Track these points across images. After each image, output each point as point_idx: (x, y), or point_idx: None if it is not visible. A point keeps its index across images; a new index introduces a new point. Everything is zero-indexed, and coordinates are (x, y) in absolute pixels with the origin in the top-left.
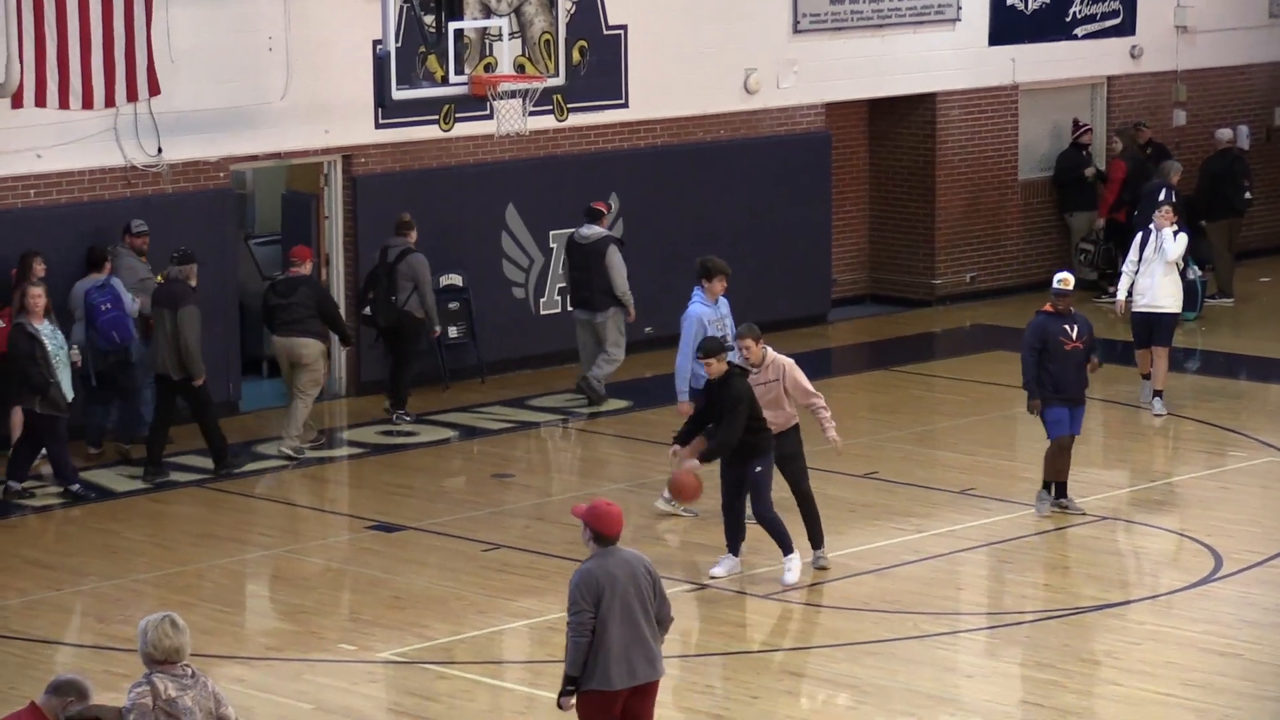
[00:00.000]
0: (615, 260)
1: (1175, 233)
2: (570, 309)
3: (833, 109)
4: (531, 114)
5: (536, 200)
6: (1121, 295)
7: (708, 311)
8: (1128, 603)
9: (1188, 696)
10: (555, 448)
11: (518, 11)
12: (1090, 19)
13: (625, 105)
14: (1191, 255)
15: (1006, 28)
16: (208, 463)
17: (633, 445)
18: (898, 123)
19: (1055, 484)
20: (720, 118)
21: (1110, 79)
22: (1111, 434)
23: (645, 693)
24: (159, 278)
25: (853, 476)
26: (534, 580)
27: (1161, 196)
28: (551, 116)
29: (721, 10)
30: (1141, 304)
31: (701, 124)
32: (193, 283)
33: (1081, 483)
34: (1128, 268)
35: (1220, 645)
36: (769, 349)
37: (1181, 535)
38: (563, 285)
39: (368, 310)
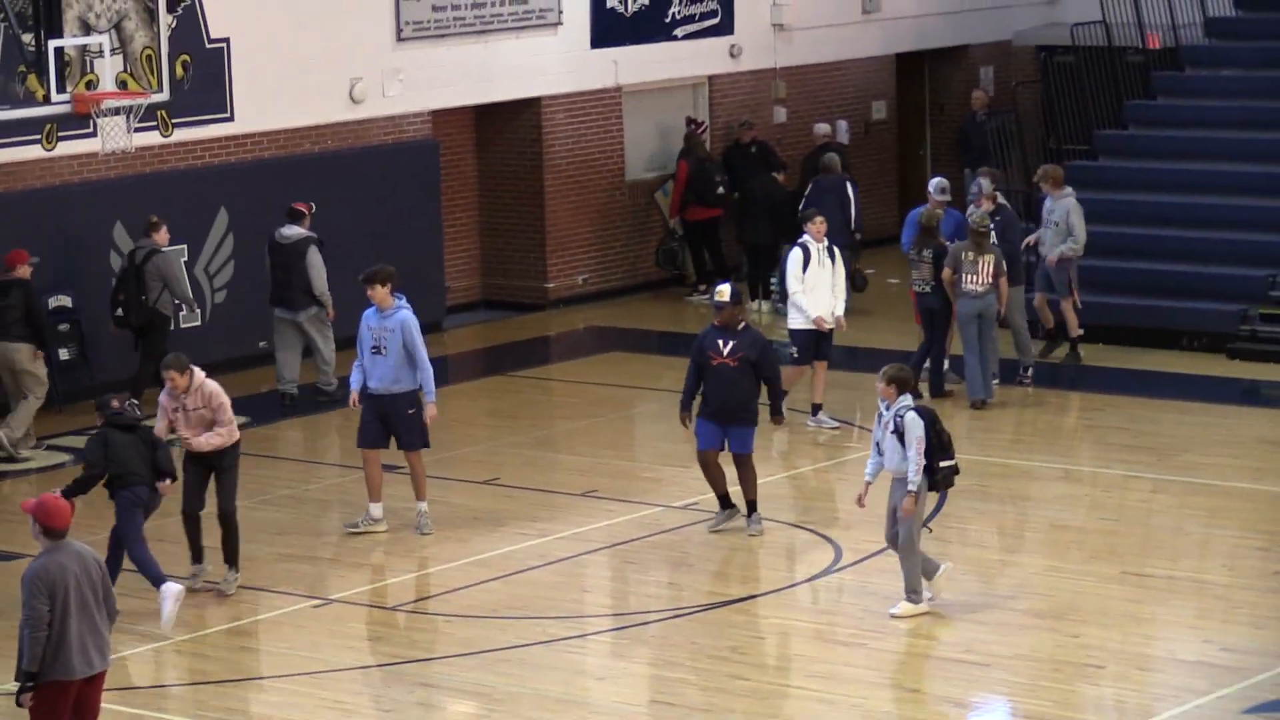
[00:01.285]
0: (315, 260)
1: (829, 246)
2: (272, 308)
3: (439, 116)
4: (136, 130)
5: (144, 218)
6: (806, 321)
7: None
8: (752, 597)
9: (815, 688)
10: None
11: (118, 28)
12: (689, 19)
13: (231, 118)
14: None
15: (608, 30)
16: None
17: (251, 461)
18: (504, 128)
19: (719, 497)
20: (327, 128)
21: (711, 78)
22: None
23: (97, 682)
24: None
25: (474, 483)
26: (156, 603)
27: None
28: (157, 132)
29: (324, 20)
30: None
31: (309, 135)
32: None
33: (700, 479)
34: (794, 286)
35: (844, 636)
36: (197, 374)
37: (801, 528)
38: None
39: (119, 312)
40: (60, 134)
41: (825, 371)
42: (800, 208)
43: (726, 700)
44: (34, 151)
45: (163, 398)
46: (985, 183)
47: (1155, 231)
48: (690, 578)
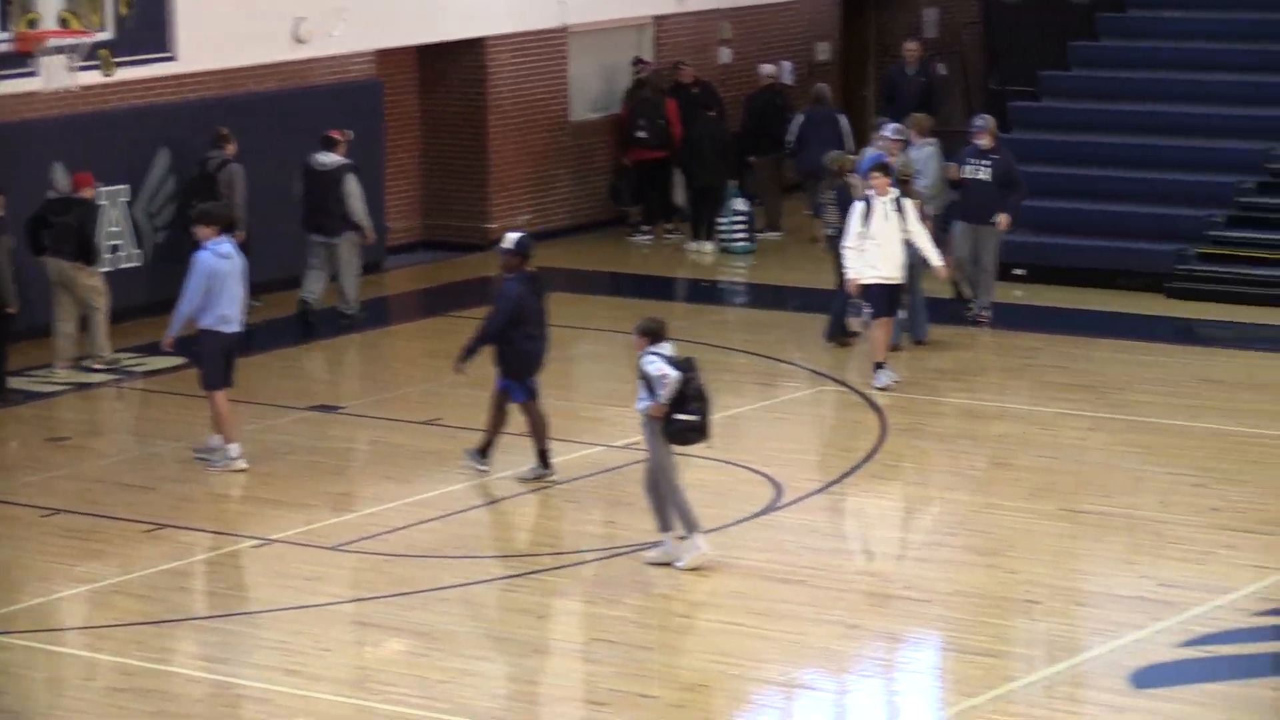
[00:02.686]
0: (353, 187)
1: (898, 199)
2: (307, 233)
3: (383, 56)
4: (79, 69)
5: (85, 157)
6: (853, 273)
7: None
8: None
9: (754, 625)
10: (110, 409)
11: None
12: None
13: (174, 58)
14: (740, 189)
15: None
16: None
17: (189, 403)
18: (448, 68)
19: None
20: (271, 68)
21: (657, 19)
22: None
23: None
24: None
25: (415, 424)
26: (96, 544)
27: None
28: (99, 71)
29: None
30: (875, 276)
31: (252, 75)
32: (1, 213)
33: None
34: (851, 240)
35: (783, 573)
36: None
37: (741, 466)
38: (116, 243)
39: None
40: (2, 72)
41: (888, 329)
42: (792, 140)
43: (666, 637)
44: None
45: None
46: (989, 119)
47: (1096, 172)
48: (630, 516)
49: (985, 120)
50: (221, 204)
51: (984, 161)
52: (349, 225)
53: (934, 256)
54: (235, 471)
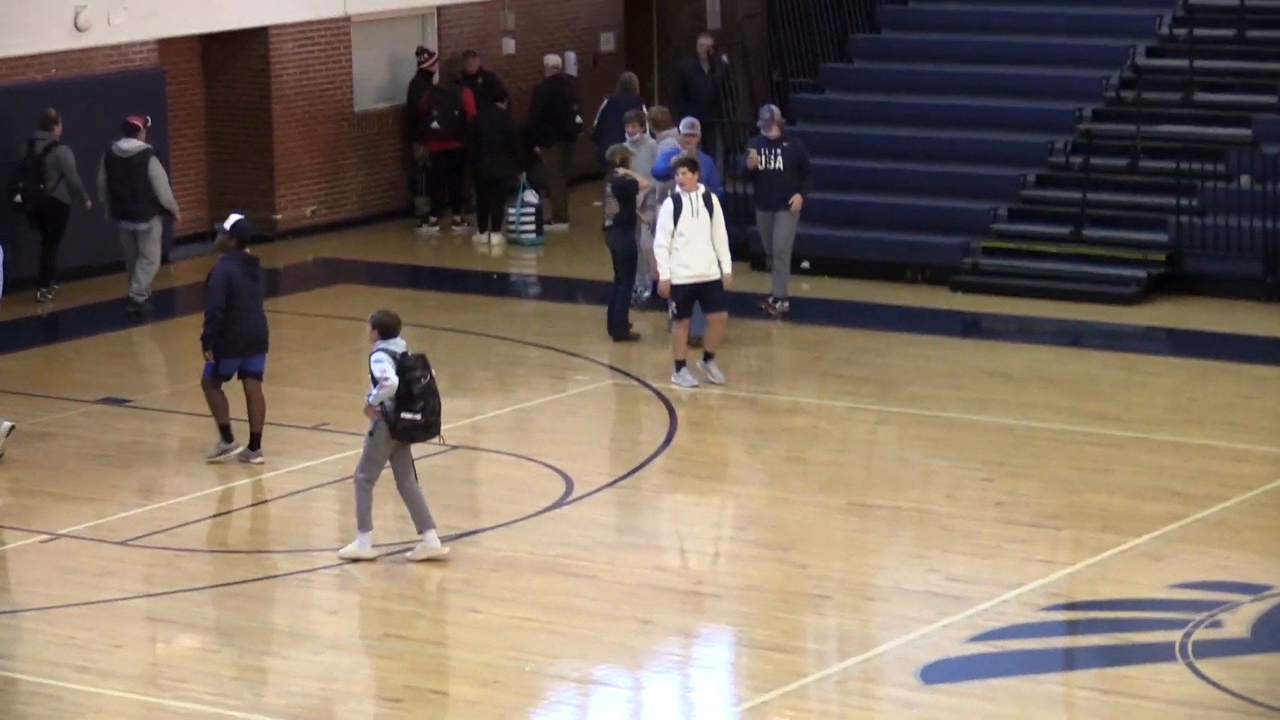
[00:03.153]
0: (158, 171)
1: (706, 195)
2: (116, 220)
3: (165, 45)
4: None
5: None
6: (665, 273)
7: None
8: (481, 530)
9: (547, 619)
10: None
11: None
12: None
13: None
14: (529, 181)
15: None
16: None
17: None
18: (232, 57)
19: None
20: (51, 56)
21: (440, 9)
22: (457, 363)
23: None
24: None
25: (203, 416)
26: None
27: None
28: None
29: None
30: (687, 275)
31: (32, 64)
32: None
33: None
34: (663, 240)
35: (576, 568)
36: None
37: (532, 461)
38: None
39: (18, 199)
40: None
41: (722, 322)
42: (595, 128)
43: (458, 633)
44: None
45: None
46: (775, 109)
47: (880, 165)
48: None
49: (771, 111)
50: None
51: (775, 150)
52: (157, 210)
53: (727, 262)
54: None
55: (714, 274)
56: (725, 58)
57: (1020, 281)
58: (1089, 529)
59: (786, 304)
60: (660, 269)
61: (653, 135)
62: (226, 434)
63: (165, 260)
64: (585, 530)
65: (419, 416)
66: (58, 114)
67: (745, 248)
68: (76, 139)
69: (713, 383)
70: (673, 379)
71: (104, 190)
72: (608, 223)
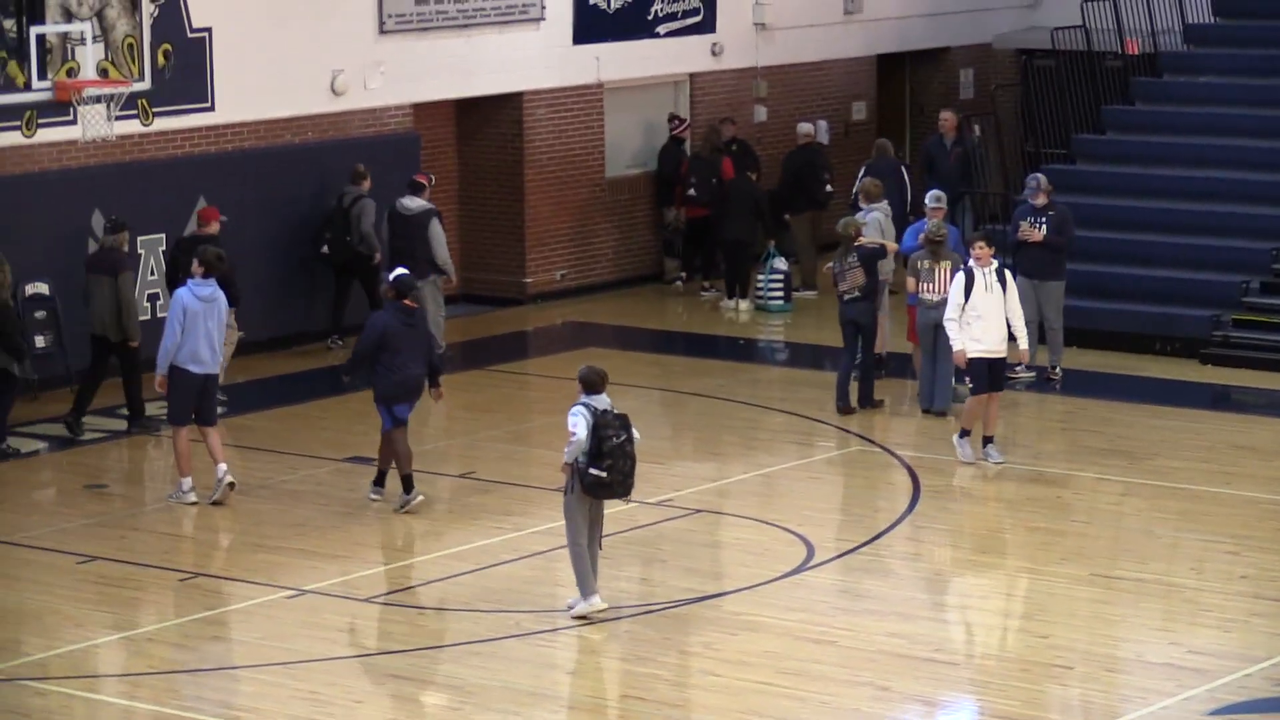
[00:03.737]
0: (436, 230)
1: (1000, 269)
2: None
3: (420, 109)
4: (117, 118)
5: (123, 206)
6: (959, 345)
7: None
8: (723, 594)
9: (785, 685)
10: (149, 456)
11: (100, 15)
12: (672, 17)
13: (212, 108)
14: (778, 248)
15: (590, 27)
16: None
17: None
18: (485, 122)
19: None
20: (308, 119)
21: (693, 76)
22: (703, 427)
23: None
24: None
25: (450, 476)
26: (131, 592)
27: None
28: (137, 121)
29: (307, 11)
30: (979, 350)
31: (289, 126)
32: (126, 249)
33: (675, 475)
34: (953, 314)
35: (815, 633)
36: None
37: (774, 525)
38: (152, 292)
39: (325, 249)
40: (40, 121)
41: (996, 403)
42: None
43: (697, 695)
44: (13, 138)
45: None
46: (1042, 178)
47: (1131, 236)
48: (663, 574)
49: (1038, 180)
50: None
51: (1041, 219)
52: (433, 268)
53: (1023, 338)
54: (186, 505)
55: (1003, 351)
56: (977, 130)
57: (1271, 355)
58: None
59: (1060, 372)
60: (954, 341)
61: (858, 207)
62: (408, 484)
63: None
64: (825, 596)
65: (605, 474)
66: (366, 169)
67: None
68: (331, 202)
69: (990, 462)
70: (955, 441)
71: (385, 246)
72: (854, 294)
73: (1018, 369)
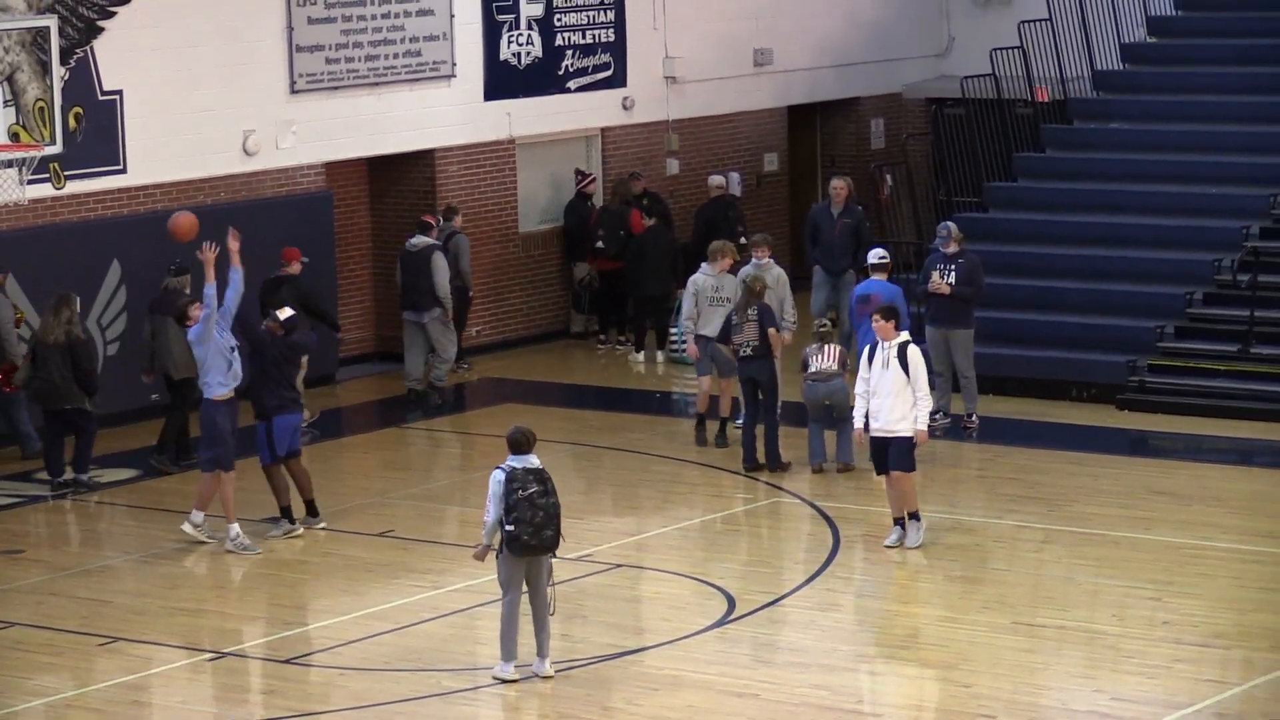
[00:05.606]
0: (440, 264)
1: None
2: (401, 312)
3: (333, 168)
4: (29, 182)
5: (37, 269)
6: (859, 421)
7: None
8: (644, 649)
9: None
10: (66, 520)
11: (10, 80)
12: (582, 72)
13: (124, 170)
14: None
15: (501, 83)
16: None
17: (142, 515)
18: (398, 180)
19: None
20: (221, 180)
21: (604, 130)
22: (620, 481)
23: None
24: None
25: (368, 535)
26: (49, 657)
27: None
28: (49, 184)
29: (217, 72)
30: (875, 428)
31: (202, 187)
32: (188, 291)
33: (594, 530)
34: (859, 387)
35: (738, 687)
36: None
37: (694, 579)
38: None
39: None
40: None
41: (904, 483)
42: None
43: None
44: None
45: None
46: (953, 226)
47: (1045, 283)
48: (584, 629)
49: (948, 228)
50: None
51: (950, 266)
52: (436, 301)
53: (923, 418)
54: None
55: (902, 430)
56: (890, 178)
57: (1187, 400)
58: (1259, 649)
59: (976, 420)
60: (855, 416)
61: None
62: (288, 514)
63: (332, 380)
64: (746, 649)
65: (513, 528)
66: (458, 206)
67: None
68: (245, 263)
69: (907, 547)
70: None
71: (398, 286)
72: (747, 351)
73: (969, 418)
